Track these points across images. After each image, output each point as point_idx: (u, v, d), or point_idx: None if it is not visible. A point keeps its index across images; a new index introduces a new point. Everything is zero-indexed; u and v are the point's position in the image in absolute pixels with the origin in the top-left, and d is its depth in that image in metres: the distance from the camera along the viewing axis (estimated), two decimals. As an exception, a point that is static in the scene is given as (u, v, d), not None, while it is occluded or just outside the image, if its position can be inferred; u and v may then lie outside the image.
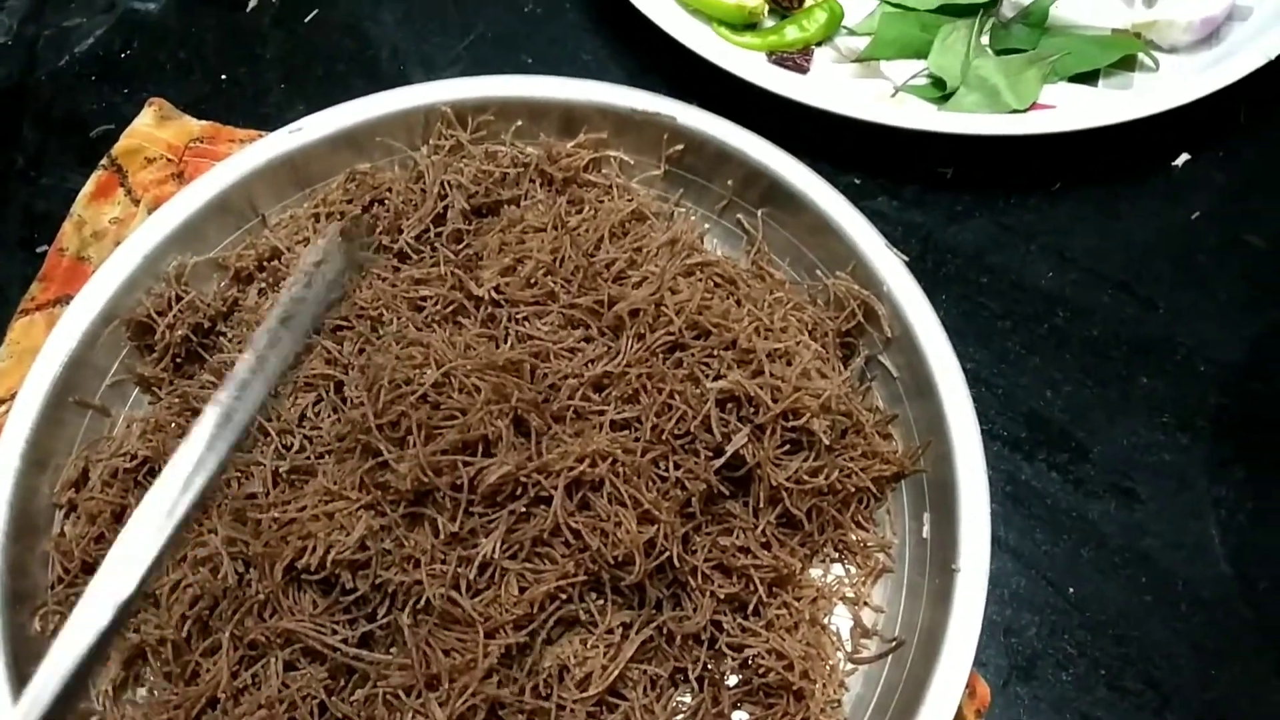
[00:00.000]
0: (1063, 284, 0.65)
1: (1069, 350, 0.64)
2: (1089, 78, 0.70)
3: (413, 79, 0.72)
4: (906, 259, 0.57)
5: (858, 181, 0.69)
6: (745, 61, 0.69)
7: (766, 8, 0.72)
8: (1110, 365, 0.63)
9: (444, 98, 0.63)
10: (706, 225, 0.64)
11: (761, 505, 0.52)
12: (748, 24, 0.72)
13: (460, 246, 0.59)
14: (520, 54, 0.74)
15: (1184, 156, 0.69)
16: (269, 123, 0.69)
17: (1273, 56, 0.67)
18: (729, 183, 0.62)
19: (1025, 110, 0.68)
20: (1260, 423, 0.61)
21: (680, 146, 0.62)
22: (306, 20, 0.75)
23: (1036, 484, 0.59)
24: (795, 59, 0.71)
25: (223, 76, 0.73)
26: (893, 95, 0.70)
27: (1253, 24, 0.71)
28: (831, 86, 0.70)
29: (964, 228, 0.67)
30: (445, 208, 0.60)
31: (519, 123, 0.63)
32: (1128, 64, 0.70)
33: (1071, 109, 0.68)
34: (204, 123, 0.69)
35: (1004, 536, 0.58)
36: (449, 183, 0.60)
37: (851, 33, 0.72)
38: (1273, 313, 0.64)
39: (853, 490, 0.54)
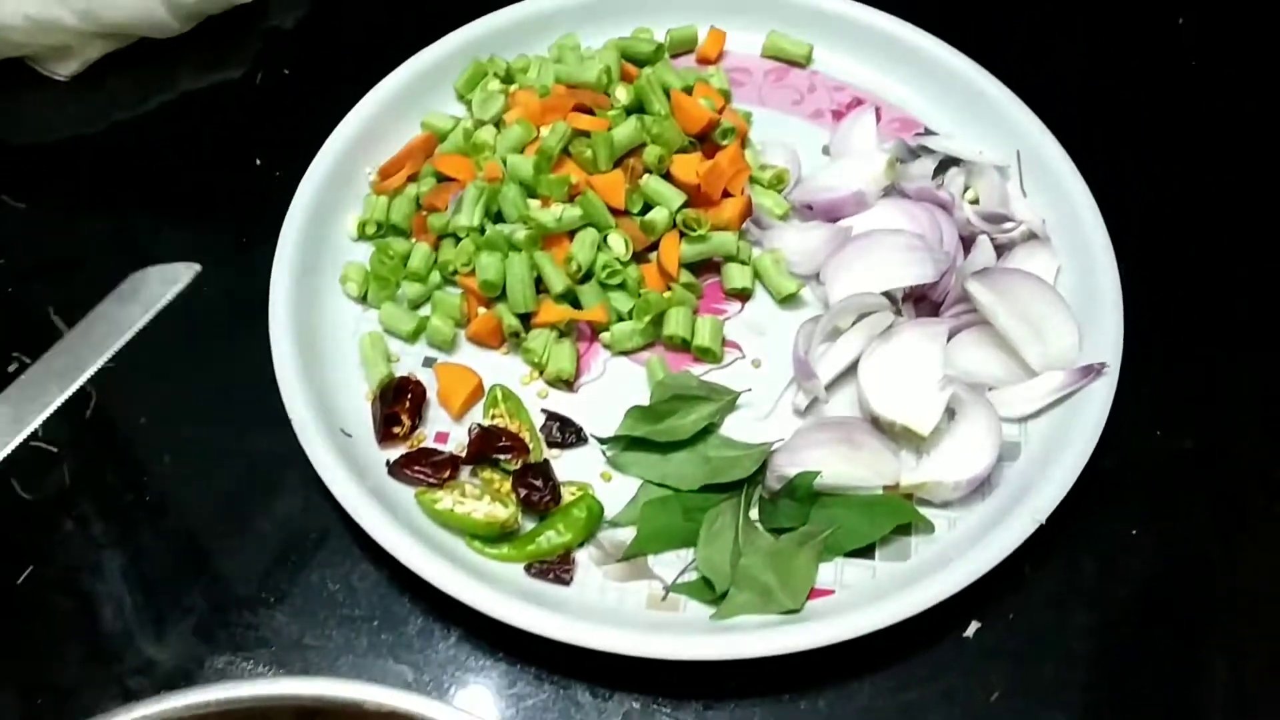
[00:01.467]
0: (865, 808, 0.60)
1: None
2: (866, 549, 0.67)
3: (141, 643, 0.65)
4: None
5: (636, 705, 0.63)
6: (499, 584, 0.64)
7: (519, 513, 0.67)
8: None
9: (168, 706, 0.56)
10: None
11: None
12: (503, 535, 0.67)
13: None
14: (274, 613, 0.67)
15: (974, 625, 0.66)
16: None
17: (1042, 521, 0.65)
18: (480, 779, 0.55)
19: (801, 608, 0.64)
20: None
21: (423, 741, 0.56)
22: (19, 580, 0.68)
23: None
24: (556, 568, 0.66)
25: (-80, 668, 0.65)
26: (664, 599, 0.65)
27: (1023, 463, 0.69)
28: (595, 599, 0.65)
29: (755, 750, 0.62)
30: None
31: (245, 728, 0.56)
32: (904, 528, 0.67)
33: (851, 595, 0.64)
34: (-108, 741, 0.61)
35: None
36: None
37: (614, 525, 0.68)
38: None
39: None
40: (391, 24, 0.93)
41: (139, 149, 0.86)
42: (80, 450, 0.72)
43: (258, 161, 0.85)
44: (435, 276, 0.76)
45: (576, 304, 0.75)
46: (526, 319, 0.74)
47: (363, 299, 0.76)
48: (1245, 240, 0.81)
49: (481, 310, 0.75)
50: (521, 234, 0.74)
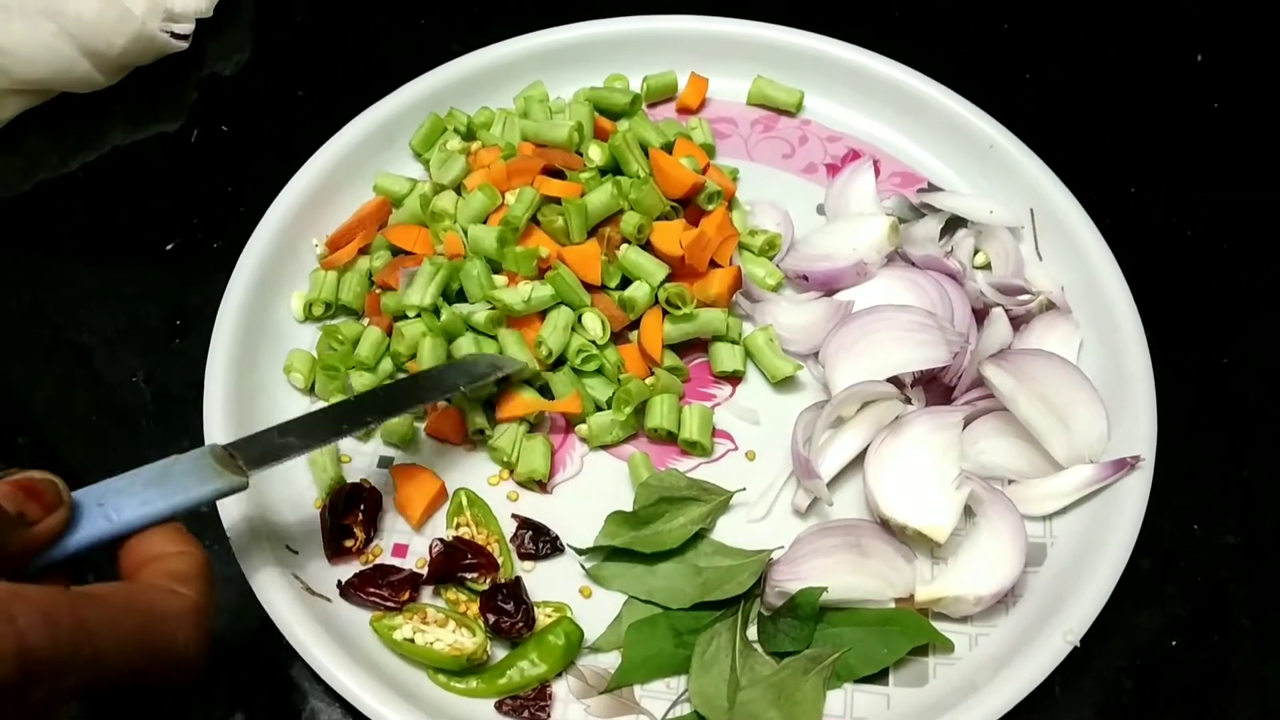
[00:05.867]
0: None
1: None
2: (879, 674, 0.59)
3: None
4: None
5: None
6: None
7: (488, 642, 0.59)
8: None
9: None
10: None
11: None
12: (471, 667, 0.59)
13: None
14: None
15: (1004, 758, 0.58)
16: None
17: (1076, 643, 0.57)
18: None
19: (808, 748, 0.56)
20: None
21: None
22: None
23: None
24: (530, 705, 0.58)
25: None
26: (653, 736, 0.58)
27: (1050, 569, 0.62)
28: (577, 740, 0.58)
29: None
30: None
31: None
32: (921, 648, 0.60)
33: (863, 730, 0.57)
34: None
35: None
36: None
37: (596, 650, 0.61)
38: None
39: None
40: (342, 73, 0.85)
41: (61, 216, 0.78)
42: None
43: (196, 236, 0.76)
44: (386, 365, 0.68)
45: (547, 392, 0.67)
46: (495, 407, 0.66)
47: (310, 391, 0.68)
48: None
49: (441, 402, 0.67)
50: (482, 315, 0.66)
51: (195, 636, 0.44)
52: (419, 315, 0.67)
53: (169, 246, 0.76)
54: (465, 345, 0.66)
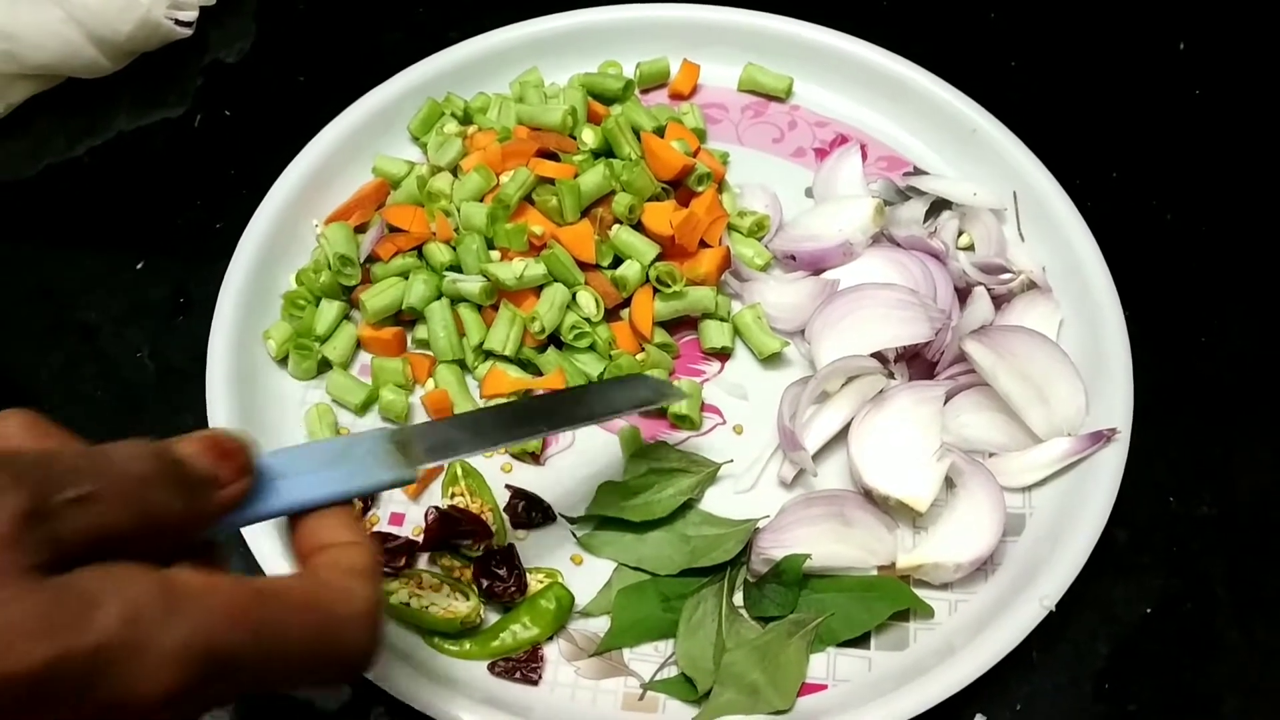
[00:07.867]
0: None
1: None
2: (861, 638, 0.61)
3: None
4: None
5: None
6: (460, 685, 0.59)
7: (482, 606, 0.61)
8: None
9: None
10: None
11: None
12: (464, 630, 0.61)
13: None
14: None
15: (979, 719, 0.60)
16: None
17: (1052, 608, 0.59)
18: None
19: (791, 708, 0.58)
20: None
21: None
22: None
23: None
24: (522, 666, 0.60)
25: None
26: (641, 698, 0.60)
27: (1028, 538, 0.64)
28: (565, 700, 0.60)
29: None
30: None
31: None
32: (902, 614, 0.62)
33: (845, 691, 0.59)
34: None
35: None
36: None
37: (586, 615, 0.62)
38: None
39: None
40: (342, 59, 0.87)
41: (68, 197, 0.80)
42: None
43: (199, 217, 0.78)
44: (349, 332, 0.70)
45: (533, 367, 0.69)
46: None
47: (282, 362, 0.70)
48: (1263, 285, 0.76)
49: (431, 385, 0.69)
50: (476, 286, 0.68)
51: (368, 640, 0.41)
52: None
53: (173, 228, 0.78)
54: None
